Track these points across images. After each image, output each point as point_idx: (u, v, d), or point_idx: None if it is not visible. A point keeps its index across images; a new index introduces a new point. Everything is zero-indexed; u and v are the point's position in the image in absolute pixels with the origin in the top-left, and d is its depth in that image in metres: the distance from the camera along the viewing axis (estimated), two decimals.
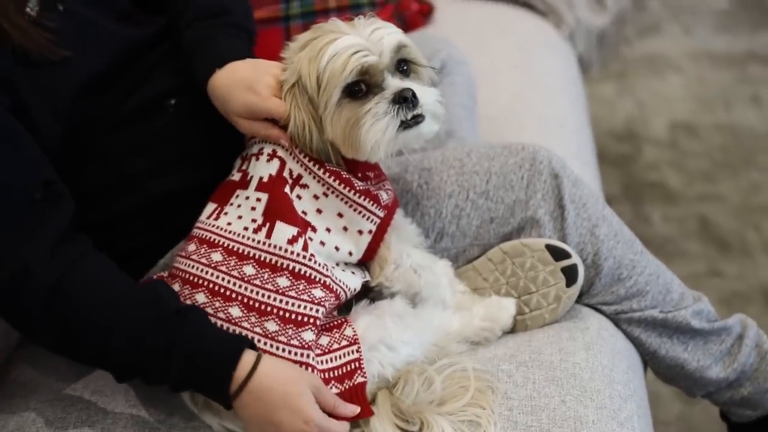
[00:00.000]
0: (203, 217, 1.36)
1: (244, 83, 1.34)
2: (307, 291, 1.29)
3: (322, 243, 1.33)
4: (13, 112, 1.30)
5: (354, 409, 1.25)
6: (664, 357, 1.52)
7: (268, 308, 1.28)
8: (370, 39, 1.29)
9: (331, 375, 1.28)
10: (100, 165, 1.41)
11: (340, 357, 1.29)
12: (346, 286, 1.34)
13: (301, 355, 1.26)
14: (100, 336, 1.25)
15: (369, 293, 1.41)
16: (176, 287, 1.34)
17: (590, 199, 1.50)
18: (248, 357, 1.21)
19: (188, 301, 1.31)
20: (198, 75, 1.40)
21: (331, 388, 1.27)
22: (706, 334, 1.53)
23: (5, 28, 1.29)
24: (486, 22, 2.23)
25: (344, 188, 1.32)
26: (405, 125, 1.28)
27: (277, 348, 1.27)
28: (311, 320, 1.28)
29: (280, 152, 1.34)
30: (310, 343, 1.28)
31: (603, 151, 2.77)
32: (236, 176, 1.37)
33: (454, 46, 1.83)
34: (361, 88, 1.28)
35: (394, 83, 1.29)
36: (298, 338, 1.27)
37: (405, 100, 1.27)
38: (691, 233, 2.45)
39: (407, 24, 2.19)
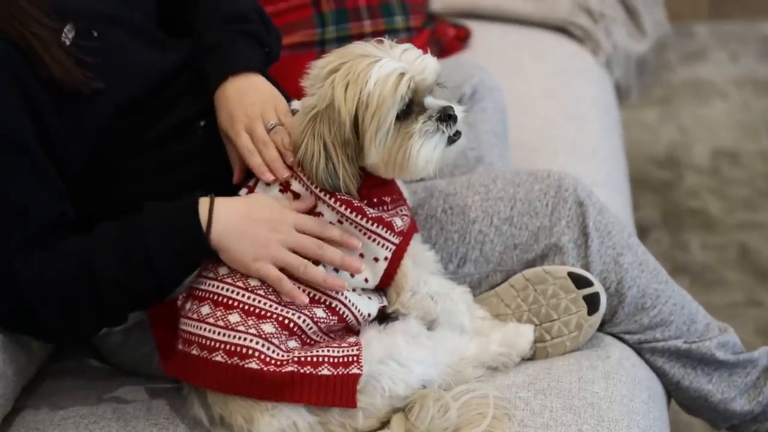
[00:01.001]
0: None
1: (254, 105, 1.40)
2: (308, 308, 1.31)
3: (336, 271, 1.34)
4: (38, 138, 1.33)
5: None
6: (687, 388, 1.51)
7: (267, 314, 1.30)
8: (405, 60, 1.31)
9: (326, 360, 1.29)
10: (131, 182, 1.44)
11: (337, 351, 1.30)
12: (359, 311, 1.36)
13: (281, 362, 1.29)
14: (87, 289, 1.31)
15: (388, 319, 1.40)
16: (186, 306, 1.36)
17: (615, 227, 1.50)
18: (203, 204, 1.29)
19: (194, 315, 1.34)
20: (209, 79, 1.44)
21: (321, 370, 1.27)
22: (731, 366, 1.52)
23: (43, 58, 1.31)
24: (522, 48, 2.24)
25: (357, 216, 1.33)
26: (450, 141, 1.31)
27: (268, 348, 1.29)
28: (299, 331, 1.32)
29: (294, 185, 1.36)
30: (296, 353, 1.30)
31: (644, 177, 2.76)
32: (243, 193, 1.40)
33: (487, 72, 1.84)
34: (410, 109, 1.29)
35: (435, 102, 1.32)
36: (285, 350, 1.30)
37: (449, 117, 1.30)
38: (731, 262, 2.43)
39: (444, 49, 2.20)
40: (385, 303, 1.39)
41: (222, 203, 1.29)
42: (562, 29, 2.28)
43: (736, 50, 3.32)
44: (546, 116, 1.98)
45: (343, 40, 1.88)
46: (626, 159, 2.80)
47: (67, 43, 1.35)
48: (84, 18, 1.39)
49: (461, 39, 2.25)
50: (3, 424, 1.43)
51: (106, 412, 1.43)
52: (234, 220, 1.28)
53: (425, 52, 2.07)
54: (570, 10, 2.27)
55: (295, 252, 1.29)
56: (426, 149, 1.29)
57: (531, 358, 1.43)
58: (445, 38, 2.21)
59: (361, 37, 2.04)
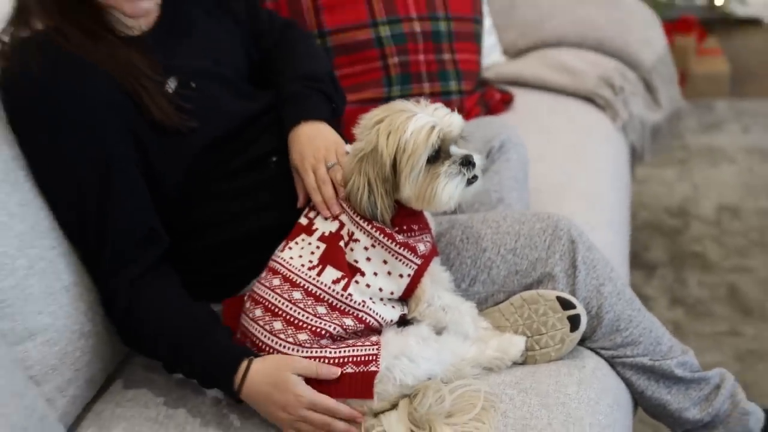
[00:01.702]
0: (277, 250, 1.42)
1: (320, 148, 1.44)
2: (337, 317, 1.36)
3: (368, 285, 1.39)
4: (139, 165, 1.40)
5: (335, 371, 1.31)
6: (650, 397, 1.53)
7: (303, 326, 1.35)
8: (436, 116, 1.36)
9: (349, 360, 1.33)
10: (213, 204, 1.48)
11: (360, 350, 1.34)
12: (382, 318, 1.40)
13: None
14: (153, 350, 1.40)
15: (407, 323, 1.44)
16: (247, 304, 1.41)
17: (600, 262, 1.51)
18: (242, 365, 1.31)
19: (250, 314, 1.40)
20: (286, 122, 1.50)
21: (346, 368, 1.32)
22: (687, 382, 1.53)
23: (148, 105, 1.38)
24: (554, 112, 2.26)
25: (387, 240, 1.38)
26: (468, 182, 1.36)
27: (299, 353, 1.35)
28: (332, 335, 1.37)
29: (342, 216, 1.41)
30: (327, 351, 1.35)
31: (658, 223, 2.78)
32: (303, 221, 1.43)
33: (514, 130, 1.87)
34: (436, 155, 1.34)
35: (458, 151, 1.37)
36: (320, 348, 1.35)
37: (470, 163, 1.36)
38: (720, 298, 2.44)
39: (490, 109, 2.22)
40: (406, 311, 1.43)
41: (252, 375, 1.30)
42: (588, 98, 2.30)
43: (749, 123, 3.30)
44: (564, 169, 1.99)
45: (405, 98, 1.92)
46: (641, 209, 2.84)
47: (170, 91, 1.42)
48: (185, 73, 1.46)
49: (505, 102, 2.27)
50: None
51: (178, 406, 1.45)
52: (257, 391, 1.31)
53: (476, 112, 2.15)
54: (596, 83, 2.29)
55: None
56: (449, 187, 1.35)
57: (522, 363, 1.45)
58: (492, 101, 2.23)
59: (420, 95, 2.07)
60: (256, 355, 1.35)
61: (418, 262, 1.40)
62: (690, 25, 3.60)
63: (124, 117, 1.38)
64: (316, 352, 1.34)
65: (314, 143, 1.46)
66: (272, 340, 1.35)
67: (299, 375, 1.30)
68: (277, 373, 1.30)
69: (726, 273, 2.53)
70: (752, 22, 4.17)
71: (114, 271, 1.38)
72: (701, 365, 1.57)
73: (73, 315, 1.38)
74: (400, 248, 1.39)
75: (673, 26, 3.55)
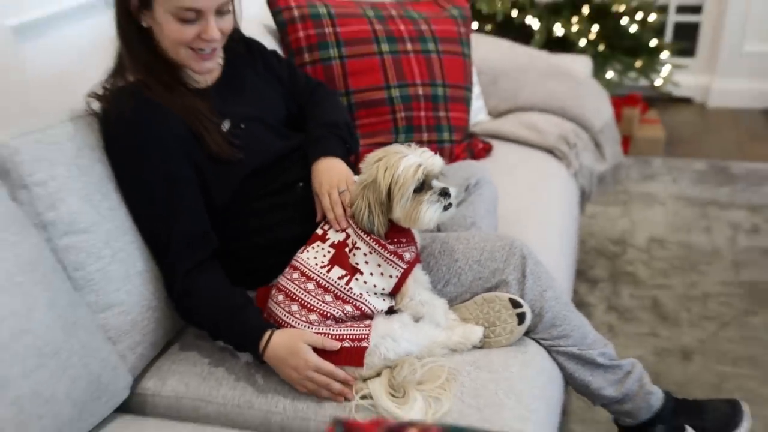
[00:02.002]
0: (298, 252, 1.42)
1: (334, 177, 1.44)
2: (340, 305, 1.36)
3: (365, 282, 1.39)
4: (198, 185, 1.42)
5: (336, 344, 1.32)
6: (576, 378, 1.51)
7: (314, 309, 1.35)
8: (423, 158, 1.37)
9: (347, 337, 1.33)
10: (253, 217, 1.49)
11: (356, 330, 1.35)
12: (374, 307, 1.39)
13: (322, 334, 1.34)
14: (202, 323, 1.41)
15: (393, 313, 1.44)
16: (273, 291, 1.41)
17: (544, 274, 1.50)
18: (264, 338, 1.32)
19: (275, 299, 1.40)
20: (310, 157, 1.50)
21: (344, 343, 1.33)
22: (606, 368, 1.51)
23: (207, 141, 1.39)
24: (522, 159, 2.25)
25: (381, 249, 1.39)
26: (444, 208, 1.37)
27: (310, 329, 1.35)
28: (335, 318, 1.37)
29: (348, 229, 1.41)
30: (331, 329, 1.35)
31: (602, 249, 2.75)
32: (319, 231, 1.43)
33: (487, 171, 1.85)
34: (421, 186, 1.35)
35: (438, 184, 1.37)
36: (326, 327, 1.35)
37: (446, 194, 1.36)
38: (645, 308, 2.43)
39: (474, 155, 2.21)
40: (393, 303, 1.43)
41: (273, 343, 1.31)
42: (550, 151, 2.29)
43: (677, 176, 3.28)
44: (526, 205, 1.97)
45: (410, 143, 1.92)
46: (590, 238, 2.82)
47: (224, 130, 1.43)
48: (236, 117, 1.47)
49: (486, 150, 2.25)
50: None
51: (218, 368, 1.45)
52: (275, 355, 1.32)
53: (463, 156, 2.14)
54: (556, 140, 2.28)
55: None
56: (430, 212, 1.36)
57: (480, 347, 1.43)
58: (476, 149, 2.22)
59: (421, 143, 2.06)
60: (278, 329, 1.35)
61: (404, 266, 1.40)
62: (636, 100, 3.58)
63: (189, 149, 1.39)
64: (323, 329, 1.34)
65: (330, 174, 1.46)
66: (290, 319, 1.36)
67: (309, 345, 1.30)
68: (291, 342, 1.31)
69: (651, 289, 2.51)
70: (683, 100, 4.16)
71: (174, 264, 1.38)
72: (628, 358, 1.55)
73: (143, 293, 1.39)
74: (390, 255, 1.39)
75: (623, 101, 3.54)
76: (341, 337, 1.33)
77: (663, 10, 3.98)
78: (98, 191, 1.35)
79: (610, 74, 3.29)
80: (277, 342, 1.31)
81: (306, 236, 1.44)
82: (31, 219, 1.26)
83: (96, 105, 1.41)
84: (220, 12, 1.37)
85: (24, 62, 1.77)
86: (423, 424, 0.65)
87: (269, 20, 2.07)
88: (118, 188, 1.40)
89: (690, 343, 2.23)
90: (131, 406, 1.40)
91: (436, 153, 1.42)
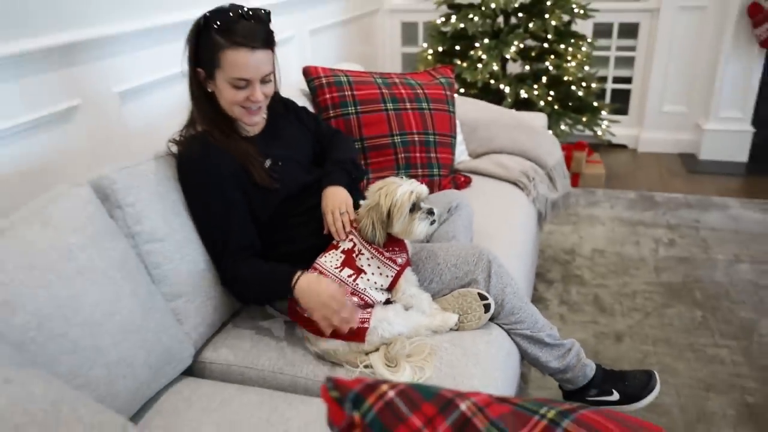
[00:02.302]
0: (318, 257, 1.42)
1: (336, 201, 1.44)
2: (349, 296, 1.34)
3: (368, 280, 1.38)
4: (246, 206, 1.42)
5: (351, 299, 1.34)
6: (529, 353, 1.50)
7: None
8: (414, 186, 1.38)
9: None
10: (285, 230, 1.48)
11: (360, 314, 1.33)
12: (375, 299, 1.38)
13: None
14: (250, 294, 1.42)
15: (389, 303, 1.42)
16: None
17: (505, 275, 1.49)
18: (296, 275, 1.31)
19: None
20: (322, 185, 1.50)
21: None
22: (552, 346, 1.50)
23: (254, 174, 1.40)
24: (494, 189, 2.22)
25: (380, 255, 1.39)
26: (431, 223, 1.36)
27: None
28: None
29: (354, 239, 1.40)
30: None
31: (556, 257, 2.71)
32: (334, 242, 1.42)
33: (465, 197, 1.84)
34: (413, 207, 1.35)
35: (425, 206, 1.37)
36: None
37: (431, 212, 1.36)
38: (588, 302, 2.38)
39: (458, 186, 2.18)
40: (389, 296, 1.42)
41: (302, 279, 1.29)
42: (514, 183, 2.26)
43: (614, 203, 3.23)
44: (497, 222, 1.94)
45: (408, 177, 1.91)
46: (548, 248, 2.79)
47: (266, 167, 1.44)
48: (275, 157, 1.47)
49: (467, 182, 2.23)
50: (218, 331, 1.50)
51: (259, 343, 1.47)
52: (303, 289, 1.29)
53: (449, 187, 2.13)
54: (519, 174, 2.26)
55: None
56: (421, 226, 1.37)
57: (455, 330, 1.42)
58: (458, 181, 2.20)
59: (416, 177, 2.05)
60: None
61: (397, 268, 1.40)
62: (583, 146, 3.55)
63: (240, 180, 1.40)
64: None
65: (333, 198, 1.45)
66: None
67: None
68: (316, 279, 1.30)
69: (593, 287, 2.47)
70: (620, 146, 4.13)
71: (228, 263, 1.39)
72: (569, 339, 1.53)
73: (203, 287, 1.39)
74: (387, 260, 1.39)
75: (573, 146, 3.51)
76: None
77: (604, 80, 3.98)
78: (171, 211, 1.36)
79: (563, 126, 3.27)
80: (305, 278, 1.30)
81: (322, 247, 1.43)
82: (123, 230, 1.27)
83: (174, 148, 1.43)
84: (263, 81, 1.38)
85: (126, 118, 1.81)
86: (393, 382, 0.65)
87: (304, 86, 2.10)
88: (188, 210, 1.41)
89: (622, 329, 2.20)
90: (194, 371, 1.40)
91: (423, 183, 1.42)
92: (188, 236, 1.38)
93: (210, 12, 1.33)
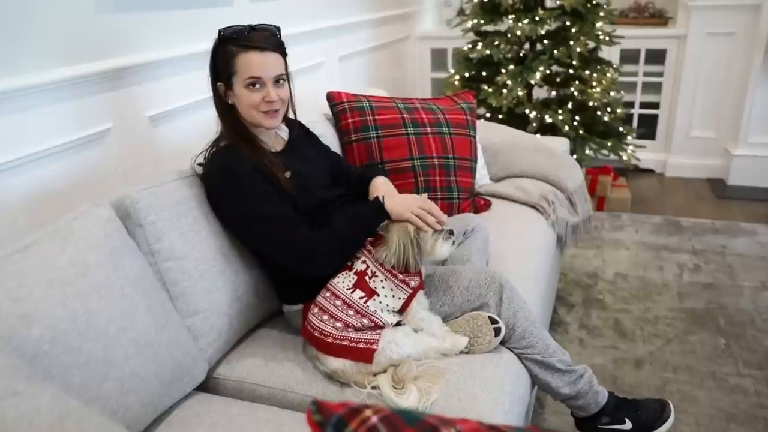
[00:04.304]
0: (331, 278, 1.40)
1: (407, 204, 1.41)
2: (359, 318, 1.33)
3: (380, 302, 1.35)
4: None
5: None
6: (540, 378, 1.45)
7: (339, 319, 1.32)
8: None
9: (362, 340, 1.30)
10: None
11: (370, 336, 1.32)
12: (385, 321, 1.35)
13: (342, 338, 1.30)
14: (346, 245, 1.39)
15: (399, 326, 1.40)
16: (311, 305, 1.38)
17: (517, 299, 1.45)
18: (379, 201, 1.38)
19: (312, 311, 1.36)
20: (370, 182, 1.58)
21: (360, 344, 1.29)
22: (563, 371, 1.45)
23: (279, 177, 1.40)
24: (513, 212, 2.17)
25: (393, 278, 1.36)
26: (452, 243, 1.37)
27: (336, 332, 1.32)
28: (355, 327, 1.32)
29: (367, 261, 1.38)
30: (351, 334, 1.31)
31: (578, 281, 2.65)
32: (349, 264, 1.40)
33: (481, 220, 1.81)
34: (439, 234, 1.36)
35: (446, 228, 1.37)
36: (347, 332, 1.31)
37: (452, 233, 1.36)
38: (609, 326, 2.30)
39: (477, 209, 2.15)
40: (400, 319, 1.39)
41: (386, 197, 1.38)
42: (534, 207, 2.22)
43: (639, 227, 3.14)
44: (516, 245, 1.90)
45: None
46: (570, 272, 2.72)
47: (288, 177, 1.42)
48: (295, 171, 1.45)
49: (487, 205, 2.19)
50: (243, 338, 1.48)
51: (278, 354, 1.46)
52: (394, 205, 1.36)
53: (468, 210, 2.12)
54: (539, 198, 2.22)
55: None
56: (445, 247, 1.38)
57: (465, 353, 1.38)
58: (478, 205, 2.17)
59: (436, 200, 2.03)
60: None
61: (410, 291, 1.37)
62: (608, 170, 3.48)
63: (267, 181, 1.38)
64: (347, 333, 1.31)
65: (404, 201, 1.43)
66: (322, 325, 1.32)
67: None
68: (391, 195, 1.41)
69: (614, 312, 2.40)
70: (645, 170, 4.03)
71: (303, 232, 1.37)
72: (593, 366, 1.49)
73: (220, 305, 1.38)
74: (401, 282, 1.37)
75: (599, 170, 3.45)
76: (358, 340, 1.30)
77: (631, 105, 3.90)
78: (191, 230, 1.36)
79: (588, 151, 3.21)
80: (389, 198, 1.38)
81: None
82: (143, 248, 1.28)
83: (198, 169, 1.45)
84: (276, 82, 1.41)
85: (156, 140, 1.84)
86: (378, 407, 0.63)
87: (327, 110, 2.11)
88: (232, 225, 1.41)
89: (642, 355, 2.12)
90: (208, 387, 1.39)
91: (442, 206, 1.42)
92: (207, 254, 1.38)
93: (223, 28, 1.40)
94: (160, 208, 1.32)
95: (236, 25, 1.39)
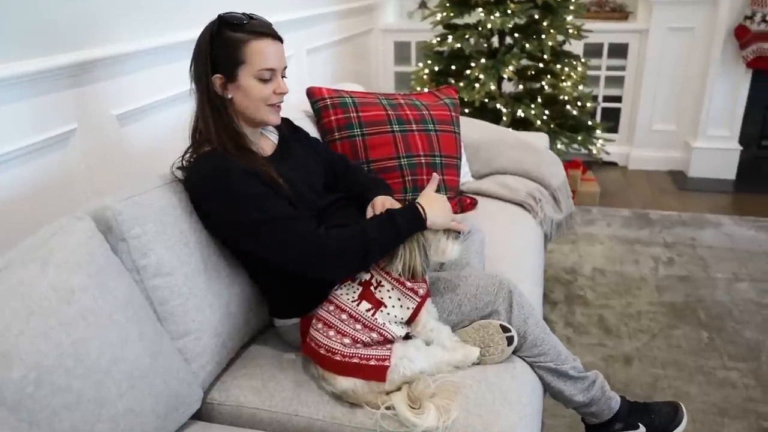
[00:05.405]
0: (333, 289, 1.31)
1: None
2: (368, 332, 1.24)
3: (388, 313, 1.26)
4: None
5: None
6: (553, 387, 1.39)
7: (347, 334, 1.23)
8: None
9: (372, 357, 1.21)
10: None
11: (380, 352, 1.23)
12: (394, 334, 1.26)
13: (351, 355, 1.21)
14: (376, 248, 1.25)
15: (409, 338, 1.31)
16: (314, 320, 1.28)
17: (526, 305, 1.39)
18: (420, 208, 1.28)
19: (315, 326, 1.27)
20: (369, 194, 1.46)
21: (370, 362, 1.20)
22: (576, 378, 1.40)
23: (267, 180, 1.26)
24: (500, 211, 2.14)
25: (401, 287, 1.27)
26: (461, 243, 1.31)
27: (345, 348, 1.23)
28: (363, 342, 1.23)
29: (372, 270, 1.29)
30: (360, 350, 1.23)
31: (558, 277, 2.63)
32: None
33: (476, 223, 1.76)
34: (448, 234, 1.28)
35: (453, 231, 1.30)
36: (356, 349, 1.22)
37: (459, 234, 1.30)
38: (593, 323, 2.29)
39: (464, 208, 2.10)
40: (409, 330, 1.30)
41: (425, 207, 1.27)
42: (520, 204, 2.19)
43: (610, 221, 3.17)
44: (505, 245, 1.86)
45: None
46: (549, 268, 2.70)
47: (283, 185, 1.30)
48: (287, 176, 1.33)
49: (473, 204, 2.15)
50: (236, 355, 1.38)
51: (277, 371, 1.36)
52: (429, 212, 1.26)
53: (456, 210, 2.05)
54: (525, 196, 2.19)
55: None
56: (455, 247, 1.30)
57: (477, 364, 1.31)
58: (464, 204, 2.12)
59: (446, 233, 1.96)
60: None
61: (419, 299, 1.28)
62: (578, 164, 3.50)
63: (261, 183, 1.26)
64: (356, 350, 1.21)
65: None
66: (328, 341, 1.23)
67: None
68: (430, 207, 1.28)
69: (597, 308, 2.39)
70: (611, 164, 4.08)
71: (307, 241, 1.22)
72: (582, 365, 1.43)
73: (212, 323, 1.26)
74: (408, 291, 1.28)
75: (569, 164, 3.45)
76: (369, 357, 1.21)
77: (594, 99, 3.93)
78: (178, 242, 1.23)
79: (559, 145, 3.20)
80: (426, 204, 1.29)
81: None
82: (127, 265, 1.15)
83: (180, 174, 1.31)
84: (282, 75, 1.33)
85: (124, 141, 1.69)
86: None
87: (306, 106, 2.00)
88: (223, 233, 1.28)
89: (630, 352, 2.11)
90: (201, 413, 1.27)
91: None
92: (196, 268, 1.25)
93: (221, 15, 1.27)
94: (145, 219, 1.18)
95: (232, 12, 1.27)
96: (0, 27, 1.30)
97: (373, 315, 1.25)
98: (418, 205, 1.28)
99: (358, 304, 1.26)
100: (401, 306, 1.28)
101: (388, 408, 1.19)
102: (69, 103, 1.48)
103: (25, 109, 1.36)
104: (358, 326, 1.24)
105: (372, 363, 1.21)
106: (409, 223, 1.26)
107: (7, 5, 1.31)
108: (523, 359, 1.37)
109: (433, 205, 1.29)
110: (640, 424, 1.45)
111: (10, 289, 0.89)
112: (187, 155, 1.31)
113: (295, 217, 1.23)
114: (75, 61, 1.46)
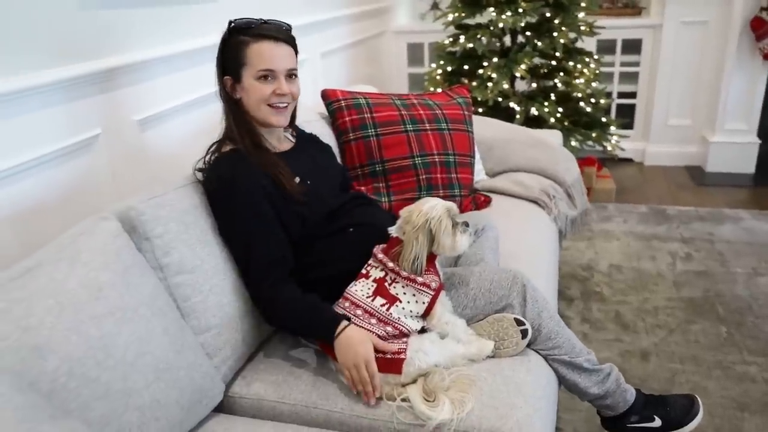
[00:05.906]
0: (349, 286, 1.34)
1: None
2: (383, 326, 1.27)
3: (403, 308, 1.29)
4: (279, 222, 1.35)
5: (392, 347, 1.24)
6: (568, 380, 1.41)
7: (362, 329, 1.26)
8: (445, 203, 1.33)
9: (388, 350, 1.24)
10: (314, 252, 1.40)
11: (396, 345, 1.26)
12: (410, 327, 1.29)
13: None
14: (285, 323, 1.32)
15: (424, 332, 1.34)
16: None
17: (540, 298, 1.41)
18: (342, 325, 1.24)
19: None
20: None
21: (387, 354, 1.23)
22: (590, 371, 1.41)
23: (284, 183, 1.34)
24: (514, 208, 2.15)
25: (413, 283, 1.29)
26: (469, 234, 1.32)
27: None
28: (379, 336, 1.26)
29: (385, 269, 1.32)
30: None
31: (574, 274, 2.63)
32: (364, 270, 1.35)
33: (490, 218, 1.79)
34: (453, 222, 1.30)
35: (460, 219, 1.33)
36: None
37: (467, 225, 1.31)
38: (610, 319, 2.29)
39: (478, 206, 2.11)
40: (424, 324, 1.33)
41: (348, 330, 1.23)
42: (534, 201, 2.20)
43: (627, 217, 3.16)
44: (520, 242, 1.87)
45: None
46: (566, 265, 2.70)
47: (297, 182, 1.37)
48: (303, 176, 1.40)
49: (487, 202, 2.17)
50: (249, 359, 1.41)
51: (293, 371, 1.39)
52: (346, 339, 1.23)
53: (470, 207, 2.07)
54: (539, 193, 2.20)
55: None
56: (464, 238, 1.31)
57: (492, 357, 1.33)
58: (478, 201, 2.14)
59: (438, 197, 1.99)
60: (347, 320, 1.27)
61: (432, 293, 1.30)
62: (593, 161, 3.50)
63: (270, 192, 1.32)
64: None
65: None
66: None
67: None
68: (363, 335, 1.23)
69: (614, 304, 2.39)
70: (627, 160, 4.07)
71: (260, 279, 1.31)
72: (598, 360, 1.44)
73: (232, 318, 1.31)
74: (421, 286, 1.30)
75: (584, 161, 3.46)
76: (384, 350, 1.24)
77: (609, 95, 3.93)
78: (199, 241, 1.28)
79: (573, 143, 3.21)
80: (352, 331, 1.23)
81: (355, 271, 1.36)
82: (151, 263, 1.20)
83: (200, 175, 1.37)
84: (289, 75, 1.37)
85: (146, 145, 1.74)
86: None
87: (321, 108, 2.04)
88: (221, 233, 1.33)
89: (647, 347, 2.11)
90: (223, 406, 1.31)
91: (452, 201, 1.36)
92: (216, 266, 1.30)
93: (234, 20, 1.34)
94: (167, 219, 1.23)
95: (247, 18, 1.34)
96: (39, 38, 1.36)
97: (387, 310, 1.28)
98: (343, 327, 1.24)
99: (372, 300, 1.29)
100: (416, 301, 1.30)
101: (404, 400, 1.21)
102: (94, 108, 1.54)
103: (61, 113, 1.43)
104: (374, 321, 1.27)
105: (388, 356, 1.24)
106: (325, 326, 1.25)
107: (43, 18, 1.38)
108: (538, 352, 1.39)
109: (352, 345, 1.22)
110: (655, 416, 1.46)
111: (42, 286, 0.94)
112: (208, 156, 1.37)
113: (271, 258, 1.30)
114: (100, 68, 1.52)
